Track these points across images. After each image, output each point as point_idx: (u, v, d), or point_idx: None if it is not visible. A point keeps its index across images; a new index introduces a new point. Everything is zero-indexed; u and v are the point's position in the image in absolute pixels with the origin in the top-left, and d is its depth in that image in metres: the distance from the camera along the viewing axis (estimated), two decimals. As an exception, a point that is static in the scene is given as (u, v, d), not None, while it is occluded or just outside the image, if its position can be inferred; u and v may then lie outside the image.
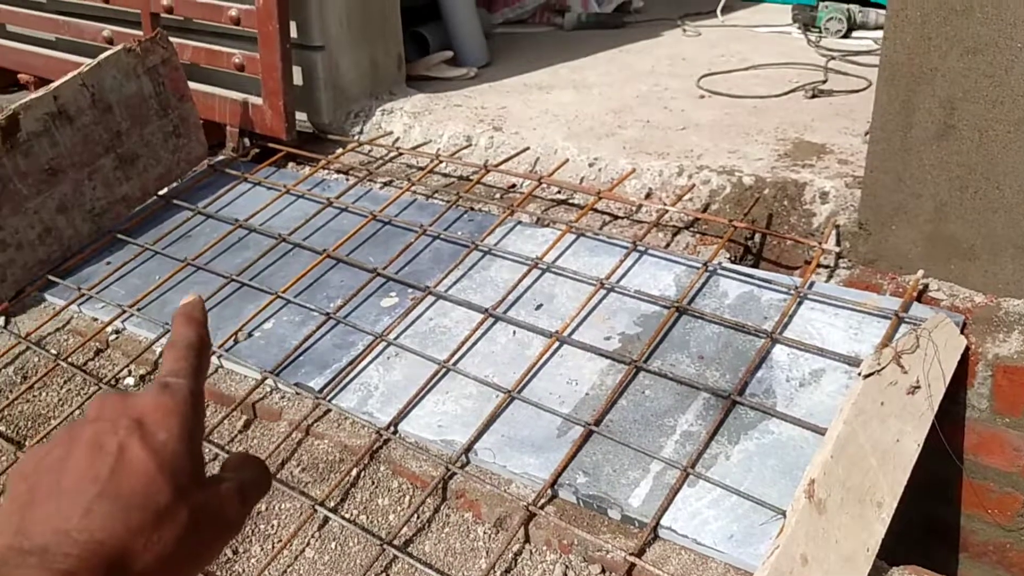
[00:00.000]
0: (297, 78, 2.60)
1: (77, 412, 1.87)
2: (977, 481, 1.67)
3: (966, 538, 1.73)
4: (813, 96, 2.70)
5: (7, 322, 2.14)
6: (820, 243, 1.88)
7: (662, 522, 1.40)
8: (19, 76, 3.22)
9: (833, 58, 3.04)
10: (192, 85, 2.64)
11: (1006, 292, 1.69)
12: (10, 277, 2.18)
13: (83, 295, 2.14)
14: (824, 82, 2.80)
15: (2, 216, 2.13)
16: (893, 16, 1.66)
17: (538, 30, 3.79)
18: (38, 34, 3.18)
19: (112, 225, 2.38)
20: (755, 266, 2.04)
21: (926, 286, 1.75)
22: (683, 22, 3.73)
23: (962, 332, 1.62)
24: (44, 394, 1.94)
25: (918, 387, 1.44)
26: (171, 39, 2.61)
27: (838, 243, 1.91)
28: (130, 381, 1.94)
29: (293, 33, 2.53)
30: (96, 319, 2.10)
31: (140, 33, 2.67)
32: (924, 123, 1.68)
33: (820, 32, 3.41)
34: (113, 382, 1.93)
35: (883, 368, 1.42)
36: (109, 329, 2.04)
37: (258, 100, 2.55)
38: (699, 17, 3.84)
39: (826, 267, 1.91)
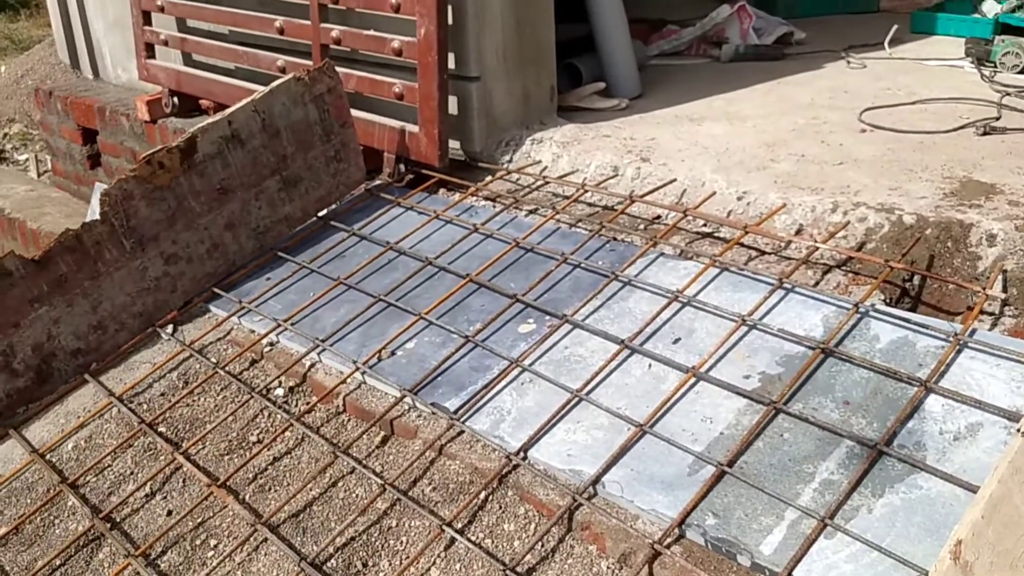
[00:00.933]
0: (452, 107, 2.68)
1: (230, 418, 1.98)
2: None
3: None
4: (985, 133, 2.54)
5: (175, 330, 2.30)
6: (984, 288, 1.76)
7: (795, 573, 1.33)
8: (200, 102, 3.48)
9: (1008, 94, 2.86)
10: (353, 112, 2.77)
11: None
12: (180, 288, 2.34)
13: (243, 308, 2.27)
14: (997, 119, 2.64)
15: (176, 231, 2.29)
16: (1074, 49, 1.55)
17: (694, 62, 3.75)
18: (219, 63, 3.42)
19: (274, 243, 2.51)
20: (913, 310, 1.93)
21: (1105, 340, 1.61)
22: (847, 54, 3.61)
23: None
24: (202, 399, 2.07)
25: (1089, 450, 1.32)
26: (340, 68, 2.75)
27: (1004, 289, 1.78)
28: (280, 392, 2.04)
29: (451, 64, 2.62)
30: (253, 331, 2.22)
31: (310, 63, 2.83)
32: (1107, 163, 1.55)
33: (995, 67, 3.22)
34: (264, 391, 2.03)
35: (1048, 426, 1.31)
36: (264, 341, 2.16)
37: (414, 128, 2.65)
38: (864, 49, 3.70)
39: (990, 314, 1.79)
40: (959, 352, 1.64)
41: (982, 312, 1.79)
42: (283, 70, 2.99)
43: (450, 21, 2.56)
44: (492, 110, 2.71)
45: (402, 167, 2.75)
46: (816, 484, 1.47)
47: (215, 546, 1.72)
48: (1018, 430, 1.30)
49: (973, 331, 1.68)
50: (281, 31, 2.97)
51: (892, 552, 1.32)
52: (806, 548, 1.36)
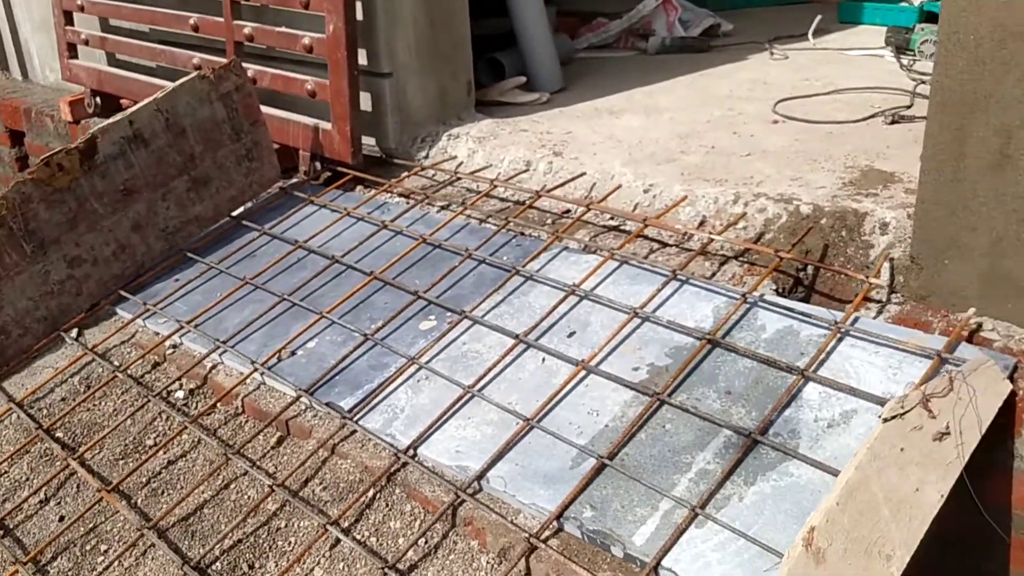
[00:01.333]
0: (366, 104, 2.67)
1: (128, 422, 1.96)
2: (1028, 538, 1.54)
3: (1018, 600, 1.59)
4: (893, 122, 2.57)
5: (79, 334, 2.27)
6: (867, 277, 1.78)
7: (663, 563, 1.34)
8: (122, 101, 3.43)
9: (923, 82, 2.89)
10: (271, 110, 2.75)
11: (1069, 335, 1.56)
12: (85, 291, 2.31)
13: (148, 310, 2.24)
14: (908, 107, 2.67)
15: (79, 234, 2.26)
16: (945, 40, 1.57)
17: (622, 55, 3.76)
18: (140, 62, 3.38)
19: (184, 243, 2.49)
20: (807, 299, 1.95)
21: (979, 325, 1.63)
22: (771, 45, 3.63)
23: (1012, 376, 1.50)
24: (103, 403, 2.05)
25: (947, 434, 1.34)
26: (255, 66, 2.73)
27: (891, 277, 1.81)
28: (180, 395, 2.02)
29: (363, 60, 2.60)
30: (158, 333, 2.19)
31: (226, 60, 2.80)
32: (978, 153, 1.58)
33: (914, 55, 3.25)
34: (165, 394, 2.01)
35: (907, 412, 1.33)
36: (167, 344, 2.14)
37: (327, 125, 2.63)
38: (790, 40, 3.73)
39: (878, 302, 1.81)
40: (840, 340, 1.66)
41: (870, 300, 1.81)
42: (199, 68, 2.96)
43: (360, 17, 2.55)
44: (406, 106, 2.70)
45: (318, 165, 2.73)
46: (692, 474, 1.48)
47: (105, 551, 1.70)
48: (880, 417, 1.33)
49: (856, 320, 1.70)
50: (196, 28, 2.94)
51: (758, 540, 1.33)
52: (676, 538, 1.37)
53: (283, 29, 2.69)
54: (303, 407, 1.86)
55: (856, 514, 1.24)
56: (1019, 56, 1.49)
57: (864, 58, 3.40)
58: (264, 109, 2.74)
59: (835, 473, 1.40)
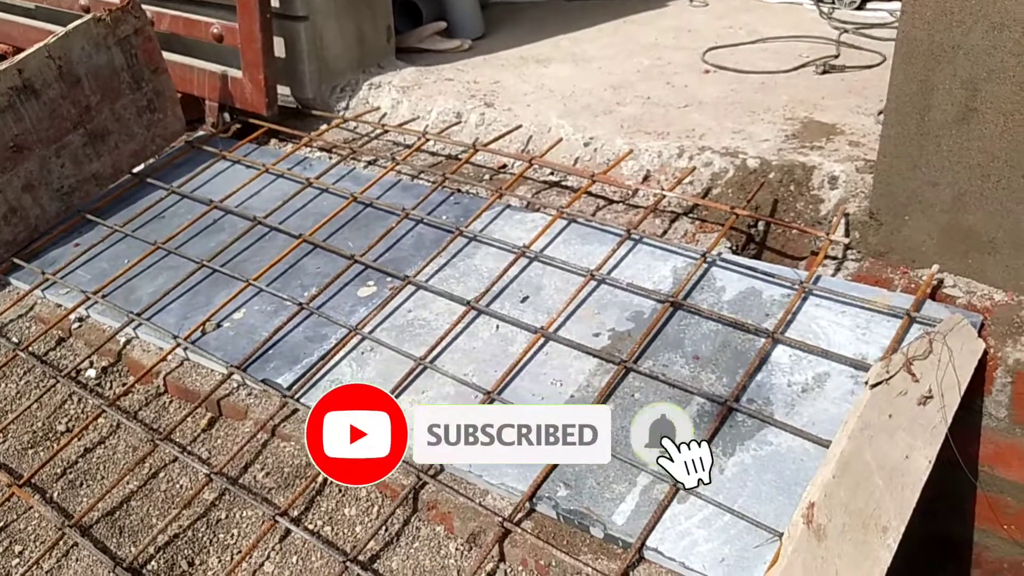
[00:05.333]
0: (280, 50, 2.47)
1: (35, 406, 1.76)
2: (992, 495, 1.55)
3: (979, 555, 1.61)
4: (824, 72, 2.55)
5: (-32, 308, 2.03)
6: (827, 233, 1.74)
7: (648, 542, 1.28)
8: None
9: (846, 31, 2.89)
10: (171, 57, 2.51)
11: (1029, 290, 1.56)
12: (-28, 260, 2.07)
13: (47, 279, 2.02)
14: (836, 57, 2.65)
15: (-39, 196, 2.02)
16: (912, -13, 1.52)
17: (539, 0, 3.62)
18: (19, 3, 3.05)
19: (82, 204, 2.26)
20: (758, 256, 1.91)
21: (940, 281, 1.62)
22: (690, -8, 3.56)
23: (979, 334, 1.49)
24: (4, 385, 1.84)
25: (930, 397, 1.31)
26: (150, 7, 2.48)
27: (847, 233, 1.78)
28: (91, 373, 1.83)
29: (275, 2, 2.39)
30: (60, 305, 1.99)
31: (116, 2, 2.54)
32: (943, 105, 1.54)
33: (833, 3, 3.24)
34: (74, 374, 1.82)
35: (892, 377, 1.30)
36: (72, 317, 1.94)
37: (237, 73, 2.42)
38: (707, -13, 3.67)
39: (833, 259, 1.78)
40: (804, 300, 1.62)
41: (826, 257, 1.77)
42: (87, 10, 2.68)
43: (271, -46, 2.34)
44: (324, 52, 2.51)
45: (227, 116, 2.52)
46: (668, 446, 1.42)
47: (20, 553, 1.53)
48: (866, 382, 1.28)
49: (818, 278, 1.66)
50: (81, -35, 2.65)
51: (745, 514, 1.28)
52: (659, 515, 1.31)
53: (183, -34, 2.45)
54: (235, 385, 1.71)
55: (852, 486, 1.20)
56: (988, 6, 1.45)
57: (782, 6, 3.37)
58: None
59: (816, 440, 1.36)
